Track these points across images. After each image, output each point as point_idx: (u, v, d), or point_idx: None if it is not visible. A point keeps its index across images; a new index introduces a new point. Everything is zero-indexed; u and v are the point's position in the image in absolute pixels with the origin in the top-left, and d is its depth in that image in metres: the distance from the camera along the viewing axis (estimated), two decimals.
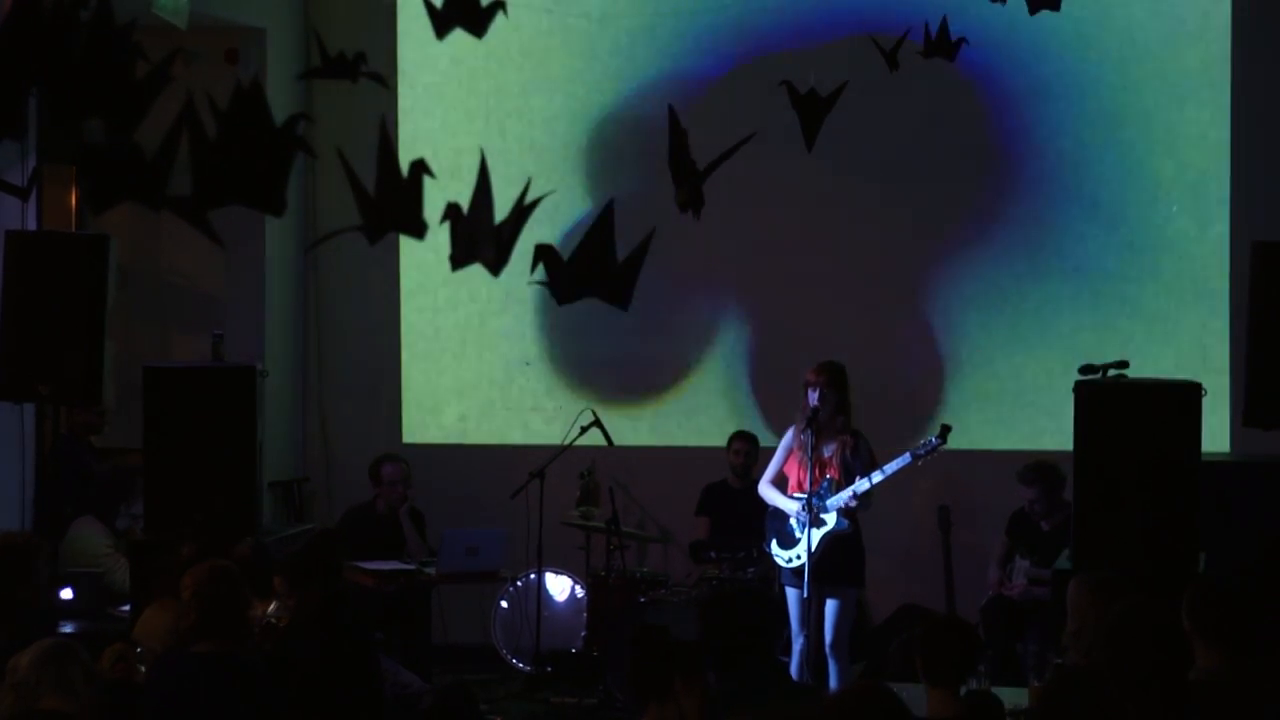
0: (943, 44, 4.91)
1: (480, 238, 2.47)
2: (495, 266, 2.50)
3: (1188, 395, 7.00)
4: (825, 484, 8.08)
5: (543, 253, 2.55)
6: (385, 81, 2.59)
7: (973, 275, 10.11)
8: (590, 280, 2.56)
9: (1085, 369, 7.18)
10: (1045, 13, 5.28)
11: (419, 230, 2.43)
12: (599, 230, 2.57)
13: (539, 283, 2.54)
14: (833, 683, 8.07)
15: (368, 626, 6.19)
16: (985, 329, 10.10)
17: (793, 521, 8.13)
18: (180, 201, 2.31)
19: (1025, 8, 5.19)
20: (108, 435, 9.40)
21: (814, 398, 8.05)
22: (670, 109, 2.74)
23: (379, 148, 2.45)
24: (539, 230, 2.50)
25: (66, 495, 8.69)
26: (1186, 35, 9.83)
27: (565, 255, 2.57)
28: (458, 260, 2.49)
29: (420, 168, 2.43)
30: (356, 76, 2.55)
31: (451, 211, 2.46)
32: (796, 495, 8.18)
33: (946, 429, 8.16)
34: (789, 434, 8.30)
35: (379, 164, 2.43)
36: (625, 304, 2.58)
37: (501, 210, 2.51)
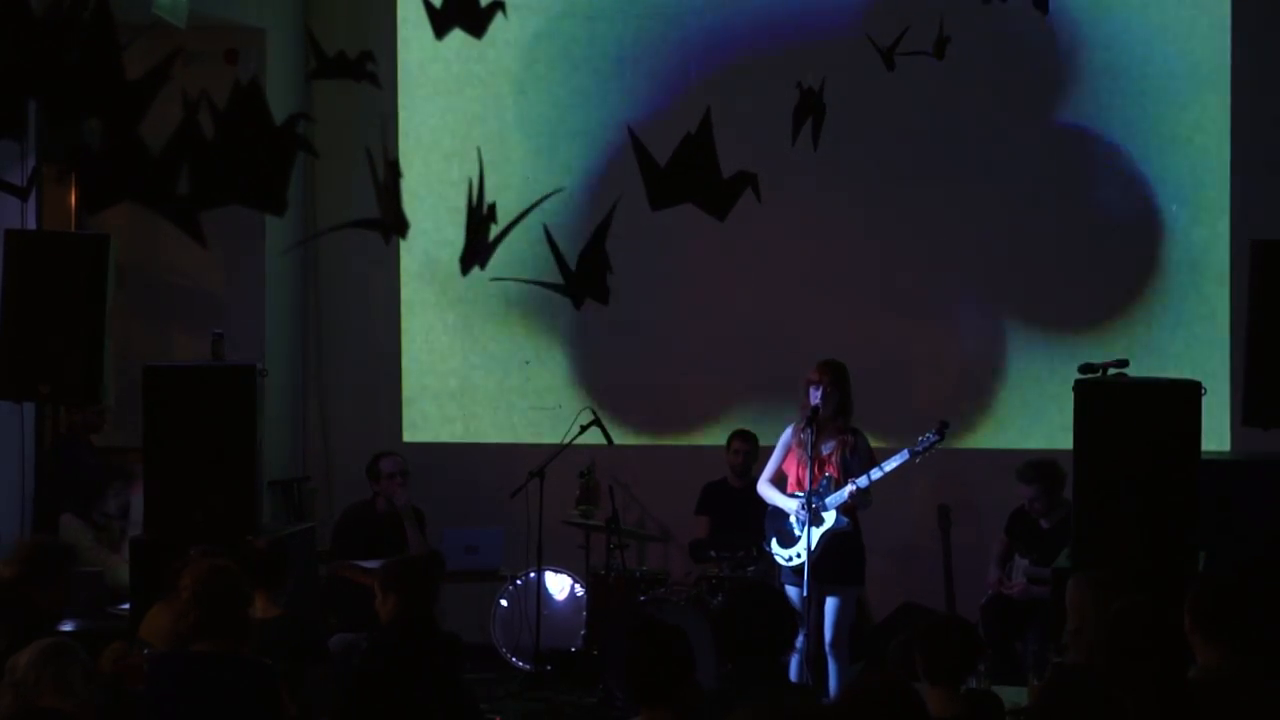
0: (938, 44, 4.93)
1: (478, 237, 2.49)
2: (468, 264, 2.51)
3: (1188, 394, 7.00)
4: (824, 482, 8.09)
5: (557, 256, 2.56)
6: (379, 82, 2.60)
7: (972, 273, 10.12)
8: (591, 280, 2.58)
9: (1085, 367, 7.18)
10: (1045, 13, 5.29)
11: (402, 228, 2.45)
12: (604, 229, 2.58)
13: (533, 283, 2.54)
14: (832, 681, 8.08)
15: (447, 652, 6.25)
16: (985, 326, 10.10)
17: (792, 520, 8.14)
18: (174, 200, 2.31)
19: (1022, 7, 5.20)
20: (108, 435, 9.41)
21: (816, 396, 8.06)
22: (707, 110, 2.74)
23: (384, 150, 2.46)
24: (539, 229, 2.51)
25: (65, 495, 8.70)
26: (1186, 34, 9.83)
27: (571, 254, 2.58)
28: (466, 262, 2.51)
29: (394, 169, 2.45)
30: (361, 76, 2.55)
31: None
32: (796, 494, 8.19)
33: (944, 425, 8.17)
34: (788, 432, 8.30)
35: (385, 166, 2.45)
36: (604, 299, 2.60)
37: (504, 210, 2.52)
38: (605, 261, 2.56)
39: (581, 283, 2.56)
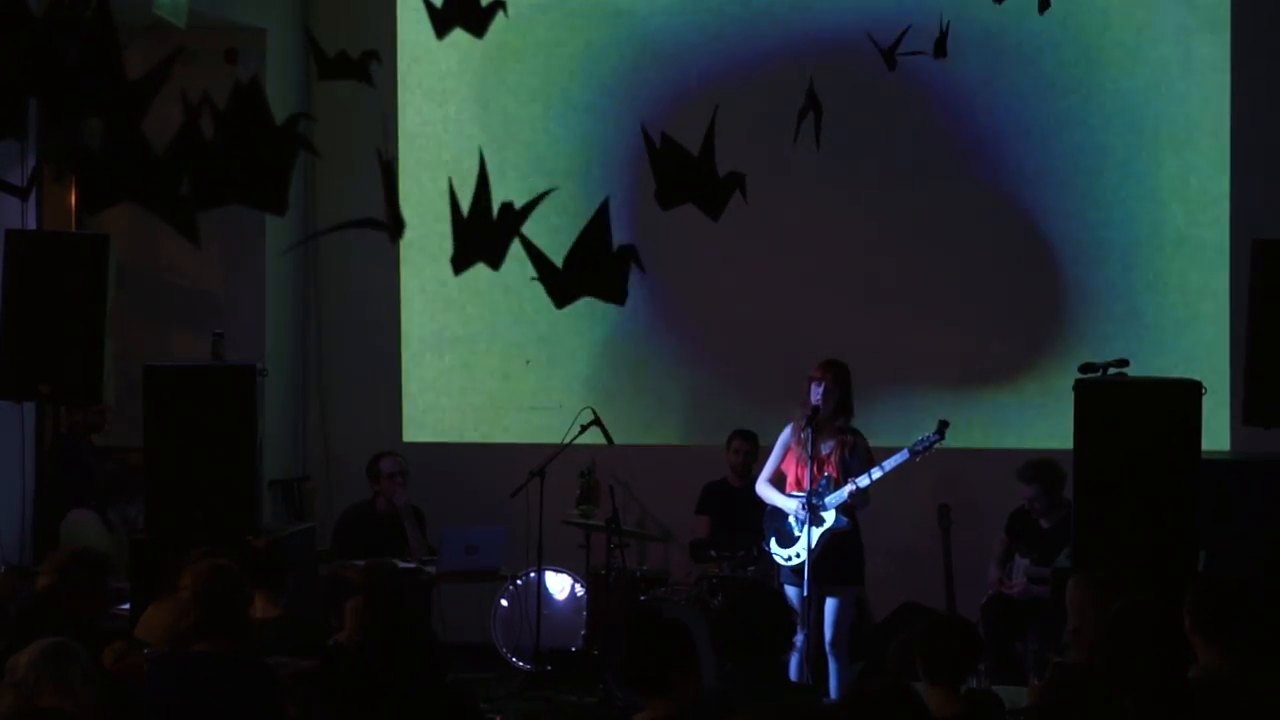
0: (938, 44, 4.93)
1: (479, 238, 2.47)
2: (460, 265, 2.50)
3: (1188, 394, 7.00)
4: (824, 481, 8.09)
5: (534, 255, 2.54)
6: (373, 81, 2.60)
7: (972, 273, 10.12)
8: (587, 279, 2.56)
9: (1085, 367, 7.18)
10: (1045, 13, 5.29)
11: (399, 229, 2.45)
12: (594, 228, 2.57)
13: (536, 279, 2.54)
14: (832, 681, 8.08)
15: (423, 659, 6.19)
16: (985, 327, 10.10)
17: (791, 520, 8.14)
18: (174, 200, 2.31)
19: (1023, 7, 5.20)
20: (108, 435, 9.41)
21: (817, 394, 8.06)
22: (716, 109, 2.73)
23: (384, 150, 2.46)
24: (537, 230, 2.50)
25: (66, 494, 8.70)
26: (1186, 34, 9.83)
27: (566, 254, 2.57)
28: (458, 263, 2.50)
29: (391, 170, 2.45)
30: (366, 76, 2.55)
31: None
32: (794, 493, 8.18)
33: (944, 424, 8.17)
34: (787, 431, 8.30)
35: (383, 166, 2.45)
36: (622, 299, 2.58)
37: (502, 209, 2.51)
38: (629, 259, 2.54)
39: (576, 283, 2.55)
